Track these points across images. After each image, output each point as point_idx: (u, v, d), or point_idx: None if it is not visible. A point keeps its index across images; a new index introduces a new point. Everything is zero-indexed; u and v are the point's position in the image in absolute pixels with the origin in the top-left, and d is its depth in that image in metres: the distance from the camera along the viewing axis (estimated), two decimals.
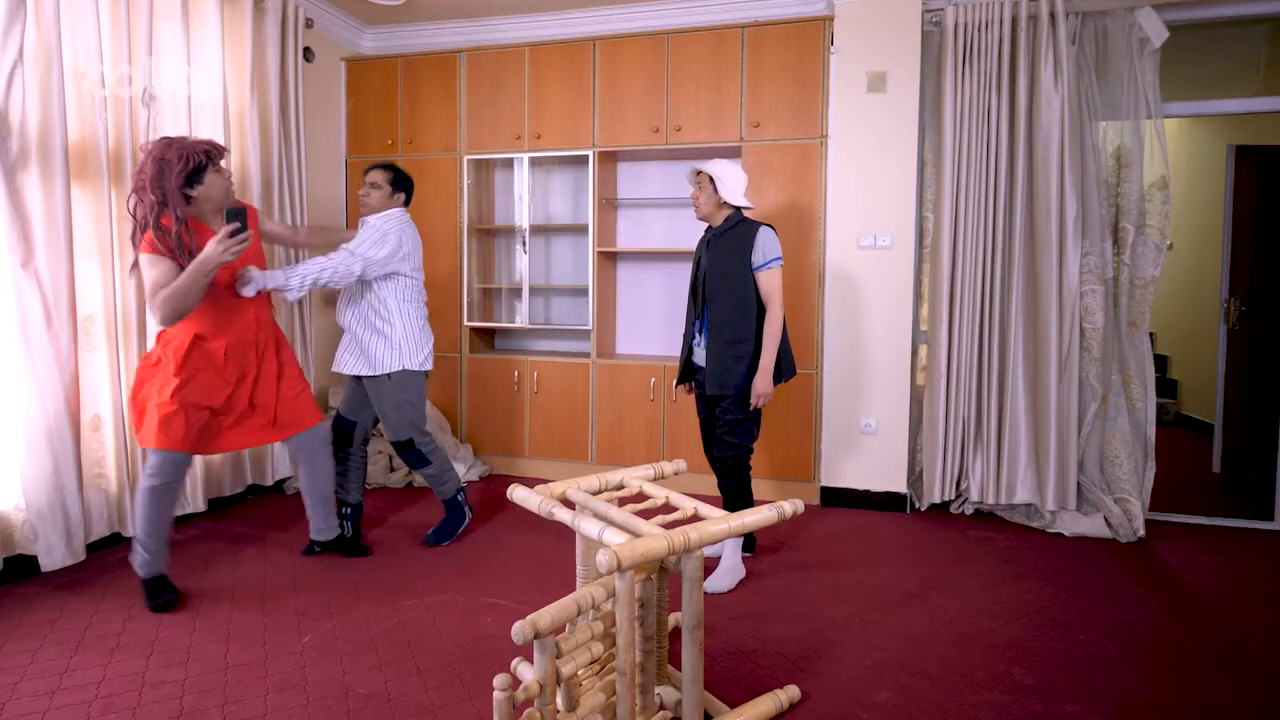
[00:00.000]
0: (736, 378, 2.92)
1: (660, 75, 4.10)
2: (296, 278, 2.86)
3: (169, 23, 3.40)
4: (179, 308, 2.50)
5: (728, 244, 2.95)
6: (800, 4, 4.06)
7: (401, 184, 3.22)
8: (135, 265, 2.64)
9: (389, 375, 3.13)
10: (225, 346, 2.69)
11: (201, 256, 2.46)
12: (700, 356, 3.05)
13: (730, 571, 2.91)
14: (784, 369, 3.00)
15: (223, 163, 2.66)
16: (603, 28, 4.39)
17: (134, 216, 2.59)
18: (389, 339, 3.12)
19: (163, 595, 2.63)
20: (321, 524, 3.10)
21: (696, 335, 3.07)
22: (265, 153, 3.88)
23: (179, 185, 2.51)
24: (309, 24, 4.22)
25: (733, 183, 2.96)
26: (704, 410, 3.15)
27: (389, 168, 3.21)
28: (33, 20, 2.78)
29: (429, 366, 3.24)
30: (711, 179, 2.97)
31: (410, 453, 3.22)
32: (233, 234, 2.46)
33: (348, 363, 3.17)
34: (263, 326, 2.83)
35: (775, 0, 4.10)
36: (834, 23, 3.80)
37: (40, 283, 2.80)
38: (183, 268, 2.52)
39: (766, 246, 2.91)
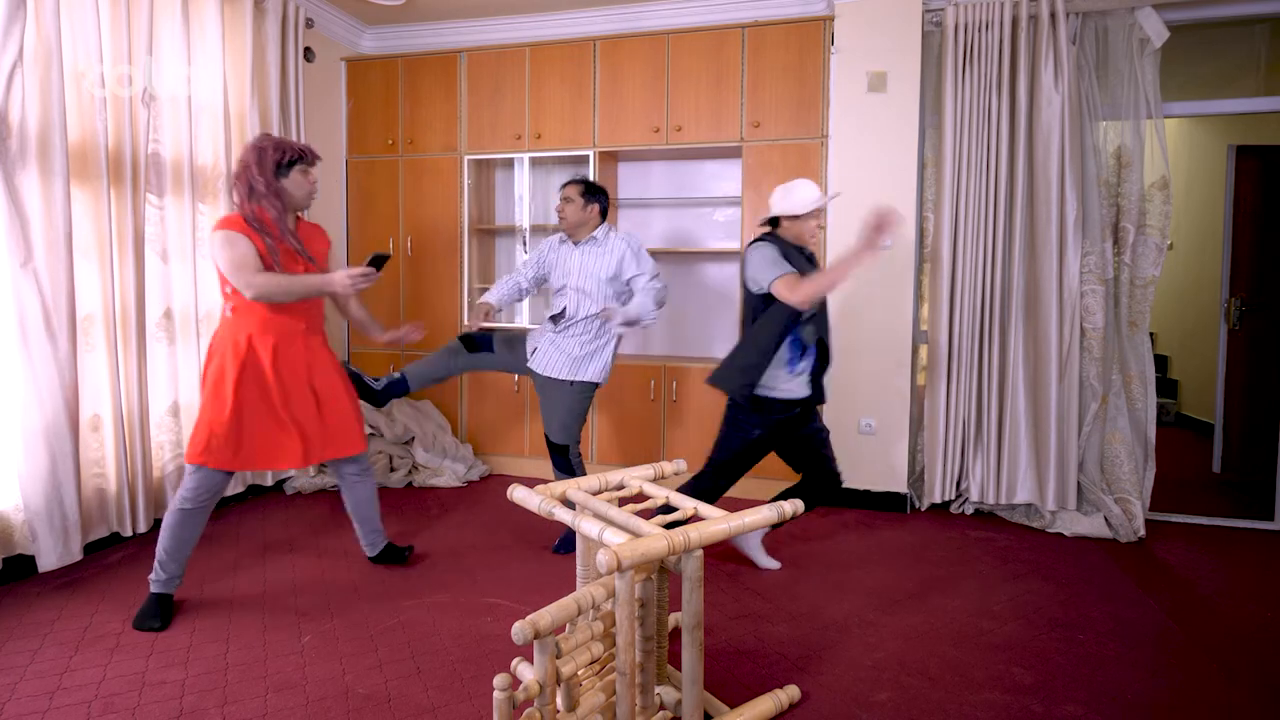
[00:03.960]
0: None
1: (660, 75, 4.10)
2: (641, 310, 3.10)
3: (169, 23, 3.40)
4: (274, 295, 2.54)
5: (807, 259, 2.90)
6: (800, 4, 4.06)
7: (596, 195, 3.22)
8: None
9: (573, 382, 3.17)
10: (274, 345, 2.62)
11: (327, 279, 2.59)
12: (804, 380, 2.83)
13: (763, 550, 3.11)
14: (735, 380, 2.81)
15: (313, 170, 2.70)
16: (603, 28, 4.39)
17: (250, 191, 2.61)
18: (602, 353, 3.20)
19: (150, 620, 2.52)
20: (367, 544, 3.06)
21: (798, 361, 2.81)
22: None
23: (272, 172, 2.59)
24: (309, 24, 4.22)
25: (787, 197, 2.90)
26: (785, 434, 2.91)
27: (581, 181, 3.23)
28: (33, 20, 2.78)
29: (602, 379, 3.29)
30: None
31: (562, 459, 3.23)
32: (365, 274, 2.59)
33: (553, 366, 3.16)
34: (312, 329, 2.77)
35: (775, 0, 4.10)
36: (834, 23, 3.80)
37: (39, 283, 2.80)
38: (262, 252, 2.55)
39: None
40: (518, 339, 3.32)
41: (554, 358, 3.17)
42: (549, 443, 3.25)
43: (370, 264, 2.63)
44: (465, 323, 3.15)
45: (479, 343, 3.29)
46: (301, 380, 2.69)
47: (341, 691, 2.15)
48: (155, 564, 2.60)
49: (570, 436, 3.22)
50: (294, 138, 4.06)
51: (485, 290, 4.67)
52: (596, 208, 3.21)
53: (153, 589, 2.59)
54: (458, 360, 3.29)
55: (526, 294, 3.41)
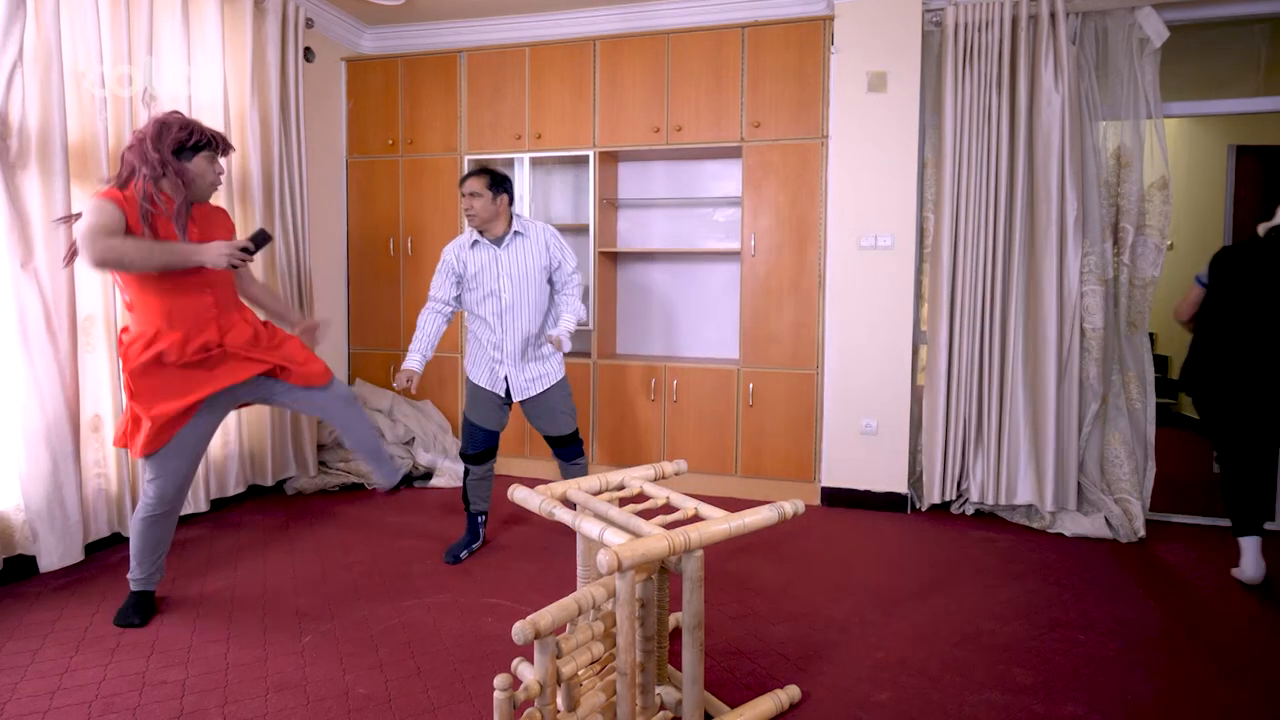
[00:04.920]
0: None
1: (660, 75, 4.10)
2: (576, 317, 3.12)
3: (169, 23, 3.40)
4: (116, 262, 2.28)
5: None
6: (800, 4, 4.06)
7: (503, 185, 3.05)
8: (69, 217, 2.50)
9: (562, 378, 3.20)
10: (183, 336, 2.44)
11: (201, 248, 2.35)
12: None
13: None
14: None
15: (221, 159, 2.56)
16: (603, 28, 4.39)
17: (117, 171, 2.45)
18: (555, 350, 3.18)
19: (131, 617, 2.53)
20: (381, 476, 2.95)
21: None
22: (265, 153, 3.88)
23: (170, 149, 2.40)
24: (309, 24, 4.22)
25: None
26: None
27: (485, 172, 3.04)
28: (33, 20, 2.78)
29: None
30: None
31: (575, 445, 3.21)
32: (244, 250, 2.38)
33: (535, 385, 3.13)
34: (225, 308, 2.57)
35: (775, 0, 4.10)
36: (834, 22, 3.80)
37: (40, 283, 2.80)
38: (131, 223, 2.34)
39: None
40: (483, 398, 3.15)
41: (534, 374, 3.13)
42: (561, 439, 3.18)
43: (251, 239, 2.42)
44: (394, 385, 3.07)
45: (484, 450, 3.21)
46: (215, 335, 2.50)
47: (341, 691, 2.15)
48: (131, 563, 2.59)
49: (576, 421, 3.23)
50: (294, 138, 4.06)
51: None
52: (505, 198, 3.04)
53: (131, 586, 2.60)
54: (487, 471, 3.26)
55: (450, 319, 3.20)
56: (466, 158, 4.44)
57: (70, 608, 2.65)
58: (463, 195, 3.04)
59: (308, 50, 4.27)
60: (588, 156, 4.25)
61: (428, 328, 3.14)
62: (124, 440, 2.52)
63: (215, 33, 3.60)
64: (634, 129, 4.15)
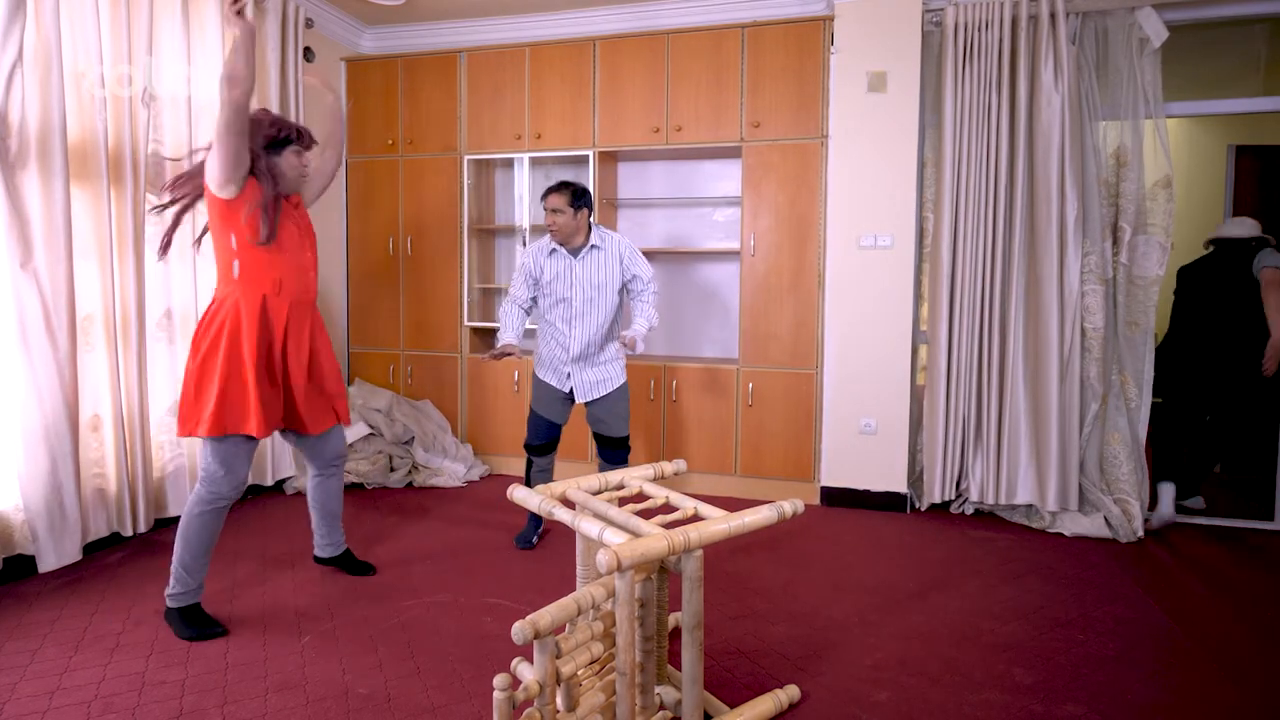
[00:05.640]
0: None
1: (660, 75, 4.10)
2: (650, 323, 3.17)
3: (169, 22, 3.40)
4: (239, 77, 2.24)
5: None
6: (800, 4, 4.06)
7: (584, 200, 3.14)
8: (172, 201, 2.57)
9: (624, 382, 3.28)
10: (289, 307, 2.54)
11: (248, 26, 2.26)
12: None
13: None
14: None
15: (308, 154, 2.63)
16: (603, 28, 4.39)
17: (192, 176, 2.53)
18: (620, 350, 3.24)
19: (210, 626, 2.46)
20: (326, 540, 2.96)
21: None
22: None
23: (261, 145, 2.49)
24: (309, 24, 4.22)
25: None
26: None
27: (566, 187, 3.10)
28: (33, 20, 2.78)
29: None
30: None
31: (625, 450, 3.28)
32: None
33: (598, 388, 3.20)
34: (316, 316, 2.70)
35: (775, 0, 4.10)
36: (834, 23, 3.80)
37: (39, 283, 2.80)
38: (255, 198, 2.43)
39: None
40: (548, 393, 3.26)
41: (599, 378, 3.21)
42: (614, 441, 3.26)
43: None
44: (480, 354, 3.09)
45: (548, 442, 3.31)
46: (305, 350, 2.60)
47: (341, 691, 2.14)
48: (173, 576, 2.48)
49: (628, 428, 3.31)
50: None
51: (485, 290, 4.69)
52: (586, 212, 3.14)
53: (175, 604, 2.48)
54: (548, 463, 3.35)
55: (529, 313, 3.31)
56: (466, 158, 4.44)
57: (69, 608, 2.65)
58: (545, 210, 3.09)
59: (308, 50, 4.27)
60: (587, 156, 4.25)
61: (511, 317, 3.22)
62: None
63: (215, 33, 3.60)
64: (634, 129, 4.15)
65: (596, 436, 3.29)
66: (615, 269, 3.17)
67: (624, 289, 3.24)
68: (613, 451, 3.27)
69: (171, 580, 2.49)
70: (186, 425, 2.44)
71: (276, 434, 2.74)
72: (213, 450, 2.45)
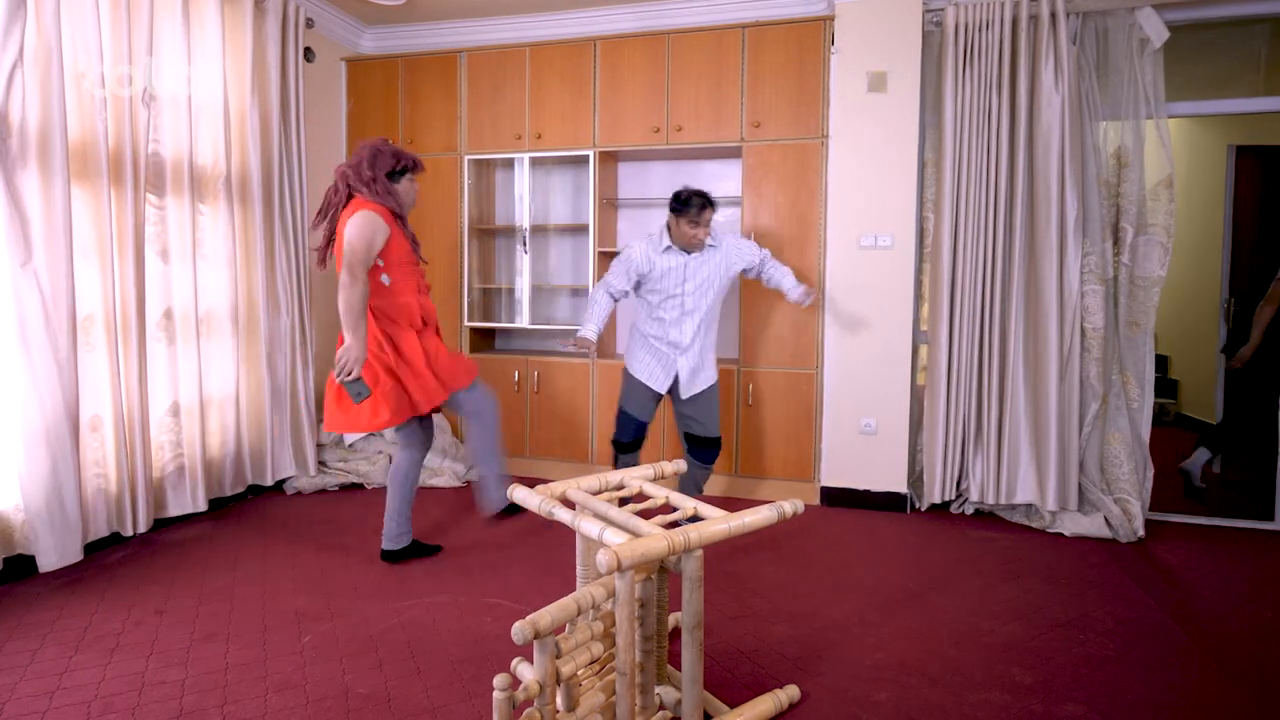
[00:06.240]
0: None
1: (660, 75, 4.10)
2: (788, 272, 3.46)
3: (169, 23, 3.40)
4: (348, 303, 2.74)
5: None
6: (800, 4, 4.06)
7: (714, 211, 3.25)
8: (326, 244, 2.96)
9: (716, 379, 3.40)
10: (423, 313, 3.01)
11: (357, 341, 2.76)
12: None
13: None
14: None
15: (417, 181, 3.05)
16: (603, 28, 4.39)
17: (333, 194, 2.91)
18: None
19: (428, 546, 3.17)
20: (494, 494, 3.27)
21: None
22: (265, 153, 3.88)
23: (384, 172, 2.89)
24: (309, 24, 4.22)
25: None
26: None
27: (714, 204, 3.23)
28: (33, 20, 2.78)
29: None
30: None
31: (717, 450, 3.40)
32: (352, 382, 2.78)
33: (698, 382, 3.32)
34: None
35: (775, 0, 4.10)
36: (834, 23, 3.80)
37: (39, 283, 2.80)
38: (399, 242, 2.91)
39: None
40: (640, 391, 3.37)
41: (699, 374, 3.32)
42: (709, 440, 3.36)
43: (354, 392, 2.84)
44: (564, 344, 3.44)
45: (636, 439, 3.45)
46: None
47: (341, 691, 2.14)
48: (393, 525, 3.08)
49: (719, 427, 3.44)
50: (294, 138, 4.06)
51: (485, 290, 4.68)
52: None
53: (397, 546, 3.08)
54: (633, 459, 3.51)
55: (616, 304, 3.43)
56: (466, 158, 4.44)
57: (70, 608, 2.65)
58: (695, 222, 3.16)
59: (308, 50, 4.27)
60: (588, 156, 4.25)
61: (599, 306, 3.34)
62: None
63: (215, 33, 3.60)
64: (634, 129, 4.15)
65: (687, 437, 3.38)
66: (723, 265, 3.30)
67: (731, 282, 3.40)
68: (705, 452, 3.37)
69: (392, 530, 3.09)
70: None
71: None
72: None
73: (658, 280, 3.27)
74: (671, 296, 3.27)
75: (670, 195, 3.22)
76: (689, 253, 3.25)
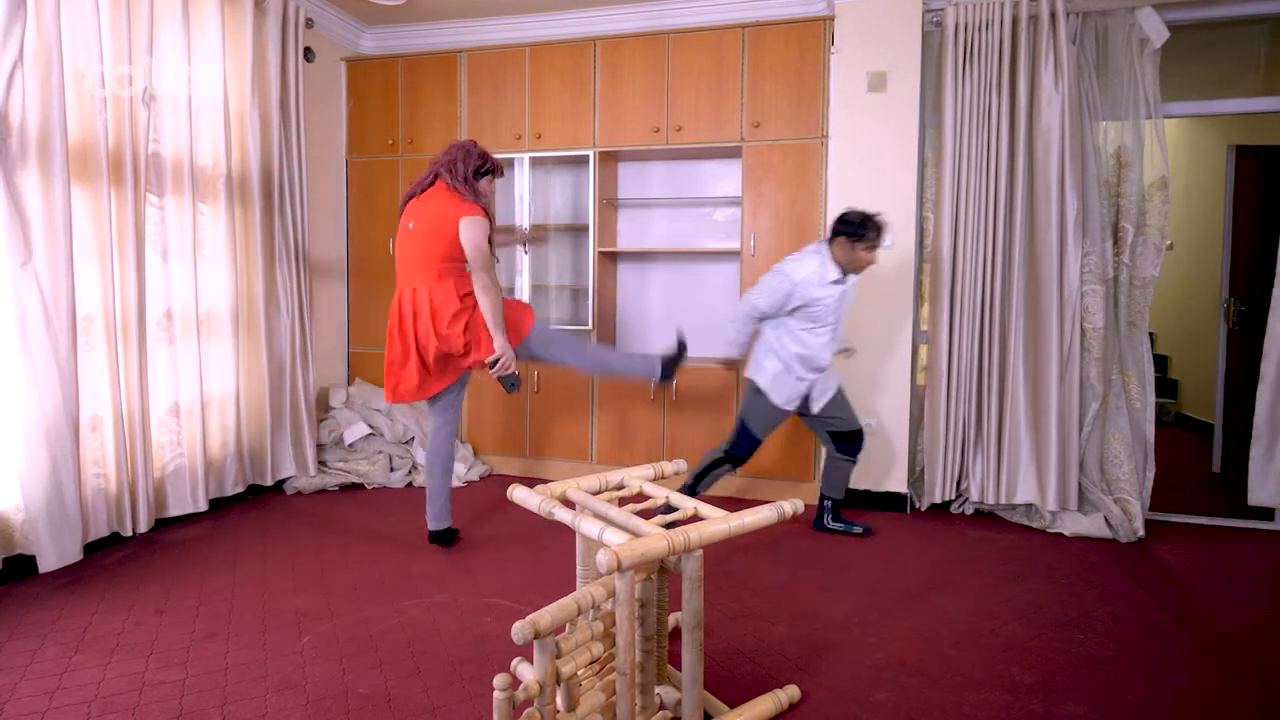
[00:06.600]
0: None
1: (660, 75, 4.10)
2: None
3: (169, 23, 3.40)
4: (487, 297, 2.98)
5: None
6: (800, 4, 4.06)
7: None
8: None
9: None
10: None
11: (500, 346, 3.01)
12: None
13: None
14: None
15: (496, 182, 3.29)
16: (603, 28, 4.39)
17: (454, 174, 3.11)
18: None
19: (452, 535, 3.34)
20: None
21: None
22: (265, 153, 3.89)
23: (472, 170, 3.12)
24: (309, 24, 4.22)
25: None
26: None
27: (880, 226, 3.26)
28: (33, 20, 2.78)
29: None
30: None
31: (861, 441, 3.50)
32: (508, 375, 3.04)
33: (829, 392, 3.42)
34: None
35: (775, 0, 4.10)
36: (834, 23, 3.80)
37: (39, 283, 2.80)
38: (491, 236, 3.13)
39: None
40: (778, 417, 3.42)
41: (831, 382, 3.43)
42: (854, 434, 3.46)
43: (507, 385, 3.09)
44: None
45: (749, 457, 3.49)
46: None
47: (341, 691, 2.15)
48: (438, 505, 3.28)
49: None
50: (294, 138, 4.07)
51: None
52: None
53: (442, 526, 3.29)
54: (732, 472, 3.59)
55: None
56: None
57: (70, 608, 2.65)
58: (873, 246, 3.19)
59: (308, 50, 4.27)
60: (588, 156, 4.25)
61: (747, 332, 3.39)
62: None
63: (215, 33, 3.60)
64: (634, 129, 4.15)
65: (833, 435, 3.46)
66: (851, 287, 3.36)
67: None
68: (852, 444, 3.48)
69: (440, 511, 3.28)
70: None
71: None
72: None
73: (817, 305, 3.23)
74: (826, 325, 3.29)
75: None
76: (842, 280, 3.27)
